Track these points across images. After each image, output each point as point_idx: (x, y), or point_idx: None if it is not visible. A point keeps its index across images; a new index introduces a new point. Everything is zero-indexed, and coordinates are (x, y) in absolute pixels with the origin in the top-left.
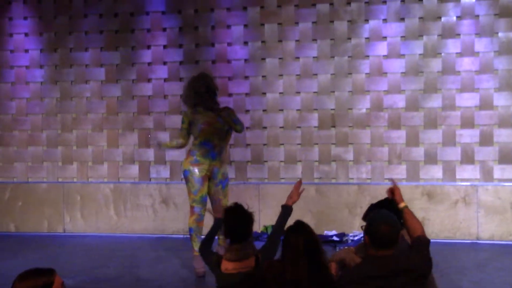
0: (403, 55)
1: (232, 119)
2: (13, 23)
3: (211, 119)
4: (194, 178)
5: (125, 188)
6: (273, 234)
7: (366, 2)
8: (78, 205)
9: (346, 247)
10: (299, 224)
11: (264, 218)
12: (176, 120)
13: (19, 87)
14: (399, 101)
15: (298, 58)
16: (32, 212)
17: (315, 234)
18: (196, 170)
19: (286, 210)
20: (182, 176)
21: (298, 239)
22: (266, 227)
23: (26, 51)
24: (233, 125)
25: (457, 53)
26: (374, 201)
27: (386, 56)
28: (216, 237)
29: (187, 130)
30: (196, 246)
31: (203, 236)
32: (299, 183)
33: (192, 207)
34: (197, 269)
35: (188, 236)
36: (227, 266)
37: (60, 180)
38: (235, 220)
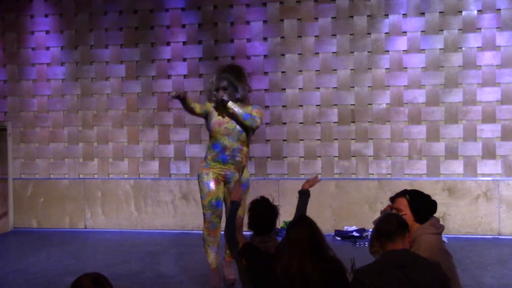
0: (423, 49)
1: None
2: (34, 21)
3: (223, 118)
4: (202, 182)
5: (145, 184)
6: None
7: None
8: (99, 201)
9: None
10: (302, 218)
11: (284, 214)
12: (195, 117)
13: (40, 84)
14: (419, 96)
15: (317, 53)
16: (54, 208)
17: (318, 228)
18: (205, 174)
19: (304, 196)
20: None
21: (299, 234)
22: (286, 223)
23: (47, 48)
24: (241, 121)
25: (478, 47)
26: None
27: (406, 51)
28: (223, 252)
29: (203, 110)
30: (210, 259)
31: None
32: (316, 178)
33: (204, 214)
34: (210, 284)
35: None
36: None
37: (81, 176)
38: (260, 213)
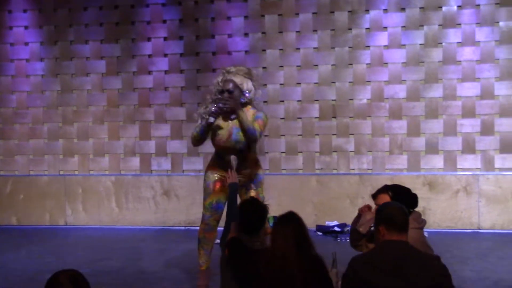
0: (404, 45)
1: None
2: (12, 16)
3: (223, 133)
4: (206, 182)
5: (126, 180)
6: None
7: None
8: (80, 197)
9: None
10: (289, 214)
11: None
12: (177, 112)
13: (19, 80)
14: (400, 91)
15: (298, 49)
16: (34, 205)
17: (304, 225)
18: (210, 173)
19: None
20: None
21: (286, 230)
22: (268, 218)
23: (26, 44)
24: (244, 133)
25: (458, 42)
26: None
27: (386, 46)
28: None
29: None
30: (203, 261)
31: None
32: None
33: (202, 215)
34: (199, 286)
35: (189, 227)
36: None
37: (61, 172)
38: (250, 212)
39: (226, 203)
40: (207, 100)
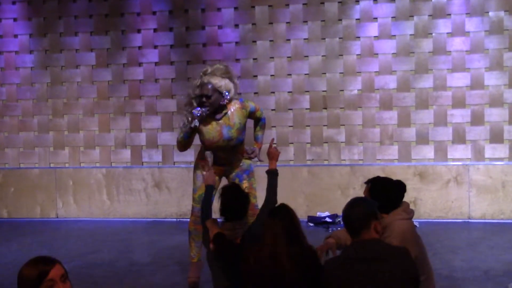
0: (394, 35)
1: (260, 119)
2: (1, 8)
3: (214, 134)
4: (196, 174)
5: (117, 172)
6: (264, 205)
7: None
8: (71, 190)
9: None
10: (281, 207)
11: (258, 200)
12: (168, 104)
13: (8, 73)
14: (391, 82)
15: (289, 40)
16: (24, 198)
17: (296, 218)
18: (200, 165)
19: (272, 175)
20: None
21: (276, 221)
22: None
23: (15, 36)
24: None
25: (447, 33)
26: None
27: (377, 37)
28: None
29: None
30: (194, 253)
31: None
32: (272, 141)
33: (192, 207)
34: (190, 278)
35: (181, 219)
36: None
37: (52, 165)
38: (231, 198)
39: (215, 195)
40: (187, 102)
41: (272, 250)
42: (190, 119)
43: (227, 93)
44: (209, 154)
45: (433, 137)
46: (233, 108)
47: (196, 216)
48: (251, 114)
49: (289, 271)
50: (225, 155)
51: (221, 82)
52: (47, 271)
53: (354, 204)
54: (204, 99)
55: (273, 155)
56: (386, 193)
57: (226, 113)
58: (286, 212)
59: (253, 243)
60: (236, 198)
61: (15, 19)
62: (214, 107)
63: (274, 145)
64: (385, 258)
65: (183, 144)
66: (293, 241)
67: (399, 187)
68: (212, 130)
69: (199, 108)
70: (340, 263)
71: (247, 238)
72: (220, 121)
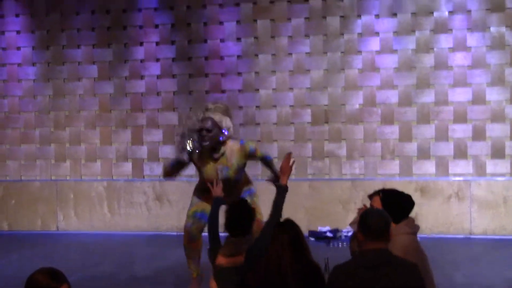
0: (396, 50)
1: (262, 158)
2: (5, 21)
3: (212, 174)
4: (193, 197)
5: (118, 185)
6: (270, 219)
7: None
8: (72, 203)
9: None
10: (287, 222)
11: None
12: (169, 117)
13: (11, 85)
14: (392, 96)
15: (291, 54)
16: (25, 210)
17: (301, 233)
18: (197, 194)
19: (280, 190)
20: None
21: (282, 236)
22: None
23: (18, 48)
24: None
25: (449, 48)
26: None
27: (378, 52)
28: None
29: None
30: (192, 269)
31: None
32: (289, 155)
33: (185, 223)
34: None
35: (181, 233)
36: (221, 260)
37: (53, 178)
38: (237, 215)
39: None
40: (182, 134)
41: (277, 265)
42: (182, 149)
43: (226, 130)
44: (220, 169)
45: (435, 152)
46: (232, 149)
47: (189, 232)
48: (252, 155)
49: (293, 286)
50: (225, 190)
51: (222, 119)
52: None
53: (380, 213)
54: (204, 133)
55: (285, 170)
56: (398, 203)
57: (223, 153)
58: (292, 226)
59: (257, 257)
60: (243, 215)
61: (18, 32)
62: (213, 143)
63: (292, 159)
64: (392, 268)
65: (167, 172)
66: (298, 256)
67: (410, 199)
68: (210, 169)
69: (195, 142)
70: (346, 269)
71: (252, 253)
72: (217, 161)
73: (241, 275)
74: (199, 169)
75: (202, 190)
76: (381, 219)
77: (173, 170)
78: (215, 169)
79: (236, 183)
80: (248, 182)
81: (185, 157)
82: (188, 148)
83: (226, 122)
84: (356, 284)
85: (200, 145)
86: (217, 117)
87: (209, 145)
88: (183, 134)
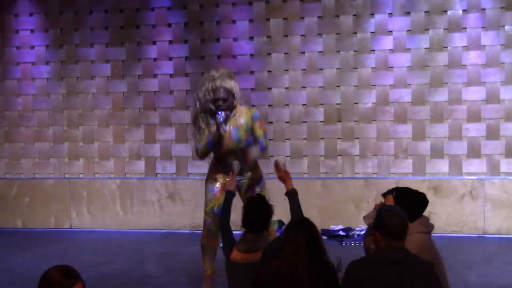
0: (409, 49)
1: (257, 136)
2: (19, 20)
3: (228, 140)
4: (208, 187)
5: (131, 183)
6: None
7: None
8: (85, 200)
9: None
10: (302, 220)
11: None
12: (182, 116)
13: (25, 84)
14: (405, 95)
15: (303, 53)
16: (39, 208)
17: (317, 232)
18: (213, 179)
19: (291, 197)
20: None
21: (298, 235)
22: (275, 222)
23: (32, 47)
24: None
25: (463, 46)
26: (380, 195)
27: (392, 50)
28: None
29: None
30: (207, 266)
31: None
32: (277, 164)
33: (204, 220)
34: None
35: (194, 231)
36: (235, 255)
37: (66, 176)
38: (255, 210)
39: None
40: (201, 109)
41: (293, 264)
42: (217, 125)
43: (236, 94)
44: (237, 164)
45: (448, 151)
46: (240, 110)
47: (208, 230)
48: (253, 121)
49: (308, 285)
50: (237, 159)
51: (232, 85)
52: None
53: (397, 211)
54: (220, 103)
55: (283, 177)
56: (411, 202)
57: (234, 115)
58: (309, 226)
59: (273, 256)
60: (260, 211)
61: (32, 31)
62: (230, 109)
63: (281, 163)
64: (409, 265)
65: (206, 153)
66: (314, 255)
67: (424, 198)
68: (226, 136)
69: (221, 112)
70: (364, 264)
71: (269, 252)
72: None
73: (256, 272)
74: (218, 139)
75: (217, 166)
76: (400, 219)
77: (213, 147)
78: (229, 134)
79: (248, 148)
80: (258, 167)
81: (225, 128)
82: (221, 119)
83: (236, 87)
84: (373, 280)
85: (226, 116)
86: (227, 84)
87: (230, 114)
88: (204, 110)
